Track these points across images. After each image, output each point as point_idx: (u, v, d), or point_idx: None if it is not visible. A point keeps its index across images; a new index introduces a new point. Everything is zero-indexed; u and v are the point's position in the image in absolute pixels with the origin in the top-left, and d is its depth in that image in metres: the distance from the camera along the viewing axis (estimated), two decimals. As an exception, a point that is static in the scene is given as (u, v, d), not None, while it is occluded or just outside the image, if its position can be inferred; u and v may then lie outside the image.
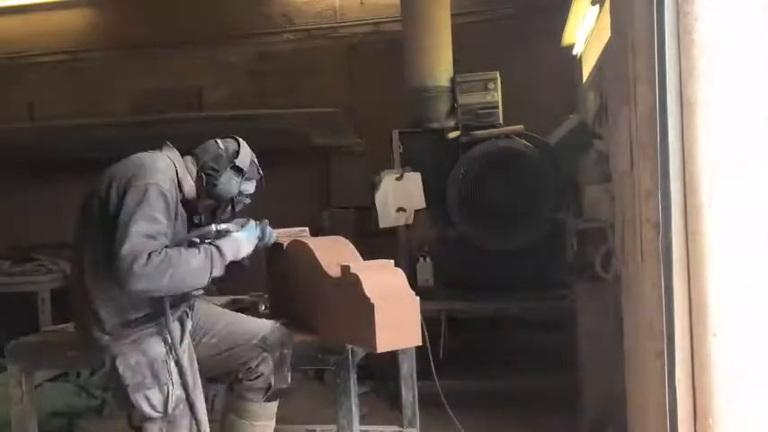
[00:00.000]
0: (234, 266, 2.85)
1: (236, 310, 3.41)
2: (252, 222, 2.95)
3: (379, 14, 7.86)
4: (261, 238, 2.99)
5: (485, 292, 5.13)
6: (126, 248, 2.48)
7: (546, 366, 5.22)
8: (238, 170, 2.87)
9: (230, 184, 2.86)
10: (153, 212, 2.56)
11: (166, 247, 2.57)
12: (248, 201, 2.97)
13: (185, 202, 2.80)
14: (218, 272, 2.67)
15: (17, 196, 8.12)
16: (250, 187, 2.94)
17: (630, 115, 2.82)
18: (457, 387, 4.67)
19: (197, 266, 2.61)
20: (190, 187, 2.82)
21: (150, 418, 2.66)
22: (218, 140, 2.93)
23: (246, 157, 2.91)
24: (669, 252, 2.35)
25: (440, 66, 5.66)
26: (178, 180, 2.76)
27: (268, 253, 3.29)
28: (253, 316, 3.29)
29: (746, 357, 2.26)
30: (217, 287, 3.39)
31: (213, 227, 2.77)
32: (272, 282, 3.37)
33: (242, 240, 2.81)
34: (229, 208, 2.90)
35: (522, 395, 4.94)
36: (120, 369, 2.64)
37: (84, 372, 5.26)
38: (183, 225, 2.78)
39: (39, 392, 3.24)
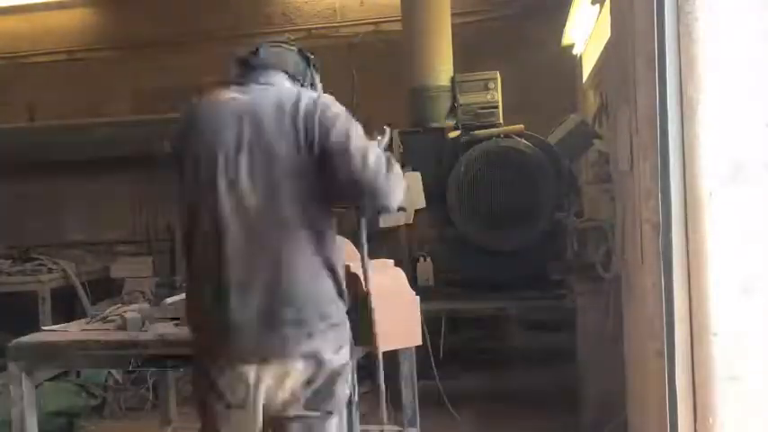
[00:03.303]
0: None
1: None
2: None
3: (380, 14, 7.86)
4: None
5: (485, 292, 5.14)
6: (370, 164, 2.19)
7: (546, 366, 5.22)
8: (314, 65, 2.64)
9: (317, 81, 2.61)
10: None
11: None
12: None
13: None
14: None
15: (17, 196, 8.12)
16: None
17: (630, 115, 2.83)
18: (457, 387, 4.68)
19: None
20: None
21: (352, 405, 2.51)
22: (269, 47, 2.55)
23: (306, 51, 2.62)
24: (669, 252, 2.36)
25: (440, 66, 5.66)
26: None
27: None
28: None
29: (746, 357, 2.27)
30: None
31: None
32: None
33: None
34: None
35: (522, 395, 4.95)
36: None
37: (83, 371, 5.26)
38: None
39: (39, 392, 3.24)
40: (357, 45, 7.96)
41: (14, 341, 3.12)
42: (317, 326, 2.24)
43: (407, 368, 3.77)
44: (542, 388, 4.91)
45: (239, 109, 2.28)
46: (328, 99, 2.33)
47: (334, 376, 2.30)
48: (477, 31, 7.30)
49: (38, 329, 3.40)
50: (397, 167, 2.31)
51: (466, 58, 5.95)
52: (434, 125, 5.52)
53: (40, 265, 6.36)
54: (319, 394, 2.29)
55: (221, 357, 2.27)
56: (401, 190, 2.30)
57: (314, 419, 2.30)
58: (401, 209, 5.51)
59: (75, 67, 8.42)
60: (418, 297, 2.72)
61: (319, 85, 2.59)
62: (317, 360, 2.26)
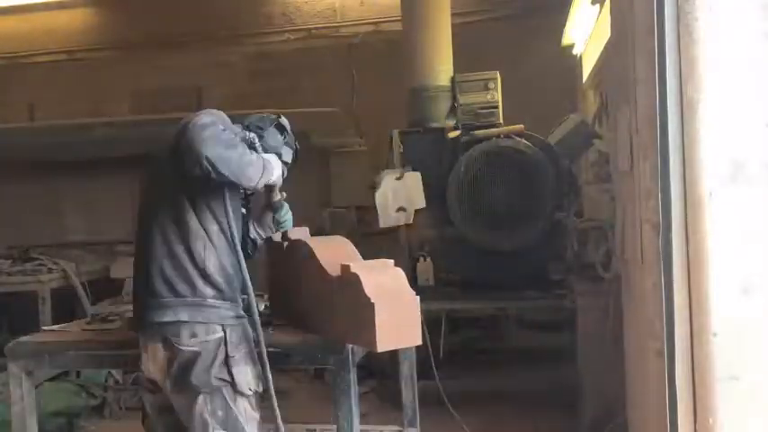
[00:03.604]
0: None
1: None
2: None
3: (380, 14, 7.87)
4: (279, 209, 3.03)
5: (485, 292, 5.13)
6: (205, 130, 2.54)
7: (546, 366, 5.23)
8: (281, 128, 2.98)
9: (275, 140, 2.95)
10: (221, 129, 2.63)
11: None
12: (285, 172, 2.99)
13: None
14: (267, 178, 2.74)
15: (17, 196, 8.12)
16: (288, 155, 3.00)
17: (630, 115, 2.83)
18: (457, 386, 4.68)
19: (254, 160, 2.68)
20: None
21: (242, 394, 2.68)
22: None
23: (286, 121, 3.03)
24: (669, 252, 2.36)
25: (440, 65, 5.66)
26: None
27: (268, 252, 3.29)
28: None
29: (746, 357, 2.27)
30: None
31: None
32: (272, 281, 3.38)
33: (275, 166, 2.84)
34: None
35: (522, 395, 4.95)
36: (228, 338, 2.65)
37: (84, 371, 5.26)
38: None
39: (39, 392, 3.24)
40: (357, 45, 7.97)
41: (14, 341, 3.12)
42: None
43: (407, 368, 3.78)
44: (542, 388, 4.91)
45: None
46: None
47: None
48: (477, 31, 7.30)
49: (38, 329, 3.40)
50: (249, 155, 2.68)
51: (466, 58, 5.95)
52: (434, 125, 5.52)
53: (40, 265, 6.36)
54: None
55: None
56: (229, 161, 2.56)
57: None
58: (401, 209, 5.49)
59: (75, 67, 8.43)
60: (418, 297, 2.71)
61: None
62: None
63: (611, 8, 3.56)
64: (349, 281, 2.66)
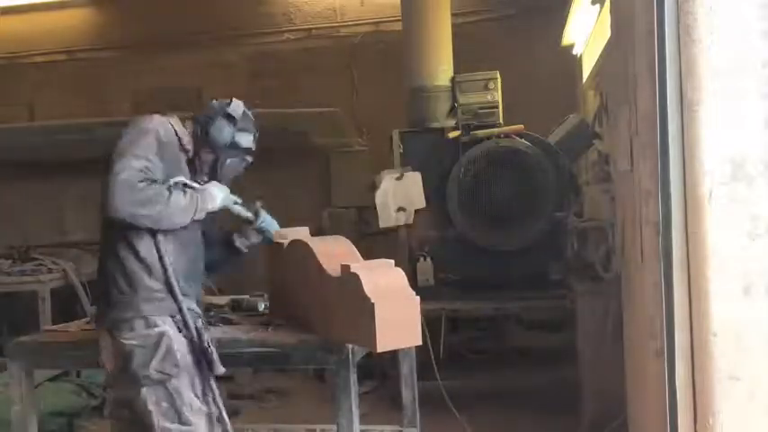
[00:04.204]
0: (233, 253, 3.09)
1: (233, 308, 3.42)
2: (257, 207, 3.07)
3: (380, 14, 7.88)
4: (253, 221, 3.04)
5: (485, 292, 5.14)
6: (122, 176, 2.65)
7: (546, 366, 5.23)
8: (230, 117, 2.95)
9: (223, 131, 2.91)
10: (145, 152, 2.68)
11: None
12: (249, 158, 2.99)
13: (190, 162, 2.88)
14: (204, 210, 2.78)
15: (17, 196, 8.12)
16: (246, 140, 2.96)
17: (630, 115, 2.83)
18: (457, 386, 4.68)
19: (183, 204, 2.73)
20: (188, 141, 2.88)
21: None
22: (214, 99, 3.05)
23: (238, 107, 3.00)
24: (669, 252, 2.36)
25: (440, 66, 5.66)
26: (177, 134, 2.84)
27: (268, 252, 3.29)
28: (252, 316, 3.30)
29: (746, 357, 2.27)
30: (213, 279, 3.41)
31: (182, 178, 2.80)
32: (272, 281, 3.38)
33: (215, 194, 2.85)
34: (229, 161, 2.92)
35: (522, 394, 4.95)
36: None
37: (84, 371, 5.25)
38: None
39: (39, 392, 3.24)
40: (357, 45, 7.97)
41: (14, 341, 3.12)
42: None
43: (407, 368, 3.77)
44: (542, 388, 4.91)
45: None
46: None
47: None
48: (477, 31, 7.30)
49: (38, 329, 3.40)
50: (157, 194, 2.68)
51: (466, 58, 5.95)
52: (434, 125, 5.52)
53: (40, 265, 6.35)
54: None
55: None
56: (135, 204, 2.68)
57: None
58: (401, 209, 5.50)
59: (75, 67, 8.43)
60: (418, 297, 2.71)
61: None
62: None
63: (611, 8, 3.56)
64: (349, 281, 2.66)
